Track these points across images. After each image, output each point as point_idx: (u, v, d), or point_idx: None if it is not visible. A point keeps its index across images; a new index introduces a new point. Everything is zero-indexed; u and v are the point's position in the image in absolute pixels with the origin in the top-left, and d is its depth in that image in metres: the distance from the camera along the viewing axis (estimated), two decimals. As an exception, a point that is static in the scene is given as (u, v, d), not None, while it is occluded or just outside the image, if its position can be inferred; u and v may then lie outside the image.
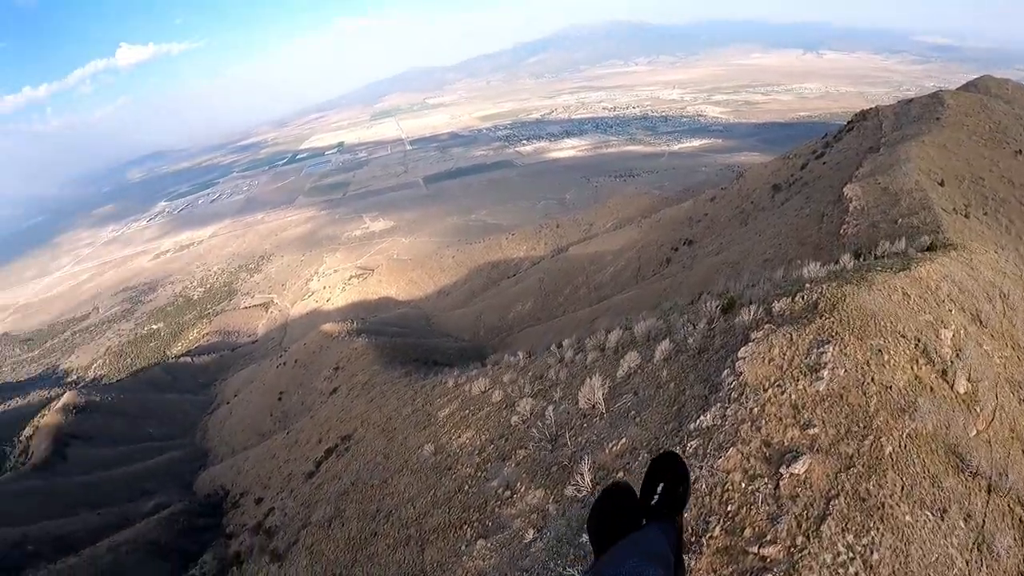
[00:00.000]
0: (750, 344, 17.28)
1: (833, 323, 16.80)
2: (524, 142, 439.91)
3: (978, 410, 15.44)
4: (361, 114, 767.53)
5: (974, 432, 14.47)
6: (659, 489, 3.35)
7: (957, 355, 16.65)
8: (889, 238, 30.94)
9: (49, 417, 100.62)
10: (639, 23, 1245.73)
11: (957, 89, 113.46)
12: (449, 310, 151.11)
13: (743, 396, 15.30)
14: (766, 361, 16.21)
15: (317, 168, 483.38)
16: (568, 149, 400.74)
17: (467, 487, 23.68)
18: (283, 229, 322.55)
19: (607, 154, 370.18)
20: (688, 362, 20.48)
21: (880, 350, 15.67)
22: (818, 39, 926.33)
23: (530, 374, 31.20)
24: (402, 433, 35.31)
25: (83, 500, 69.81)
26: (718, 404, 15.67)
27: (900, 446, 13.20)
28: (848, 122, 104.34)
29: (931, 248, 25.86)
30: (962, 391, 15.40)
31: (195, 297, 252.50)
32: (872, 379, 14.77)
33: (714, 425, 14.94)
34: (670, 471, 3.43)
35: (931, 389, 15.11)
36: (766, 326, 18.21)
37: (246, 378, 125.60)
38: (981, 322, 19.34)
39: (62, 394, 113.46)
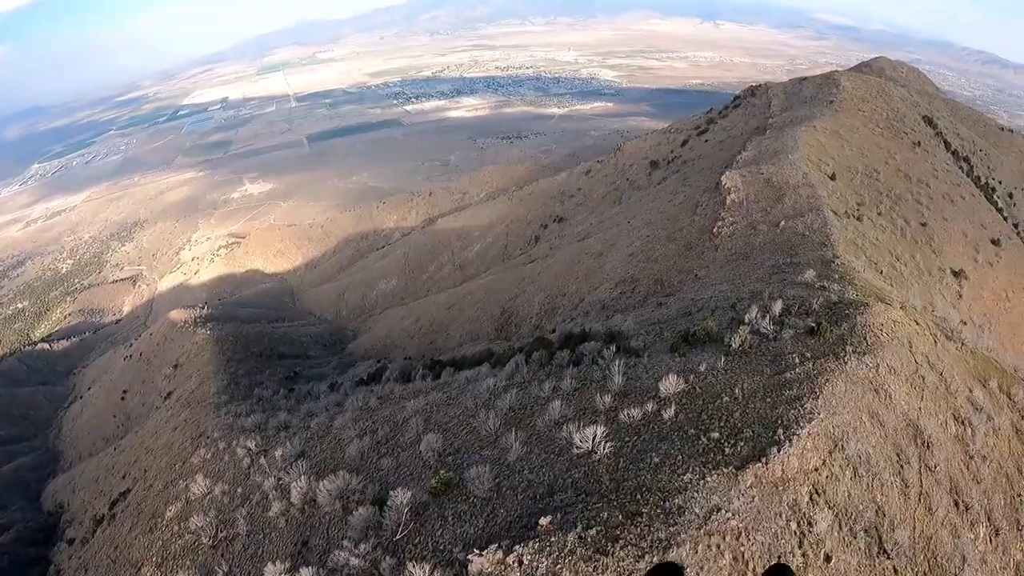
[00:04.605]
0: None
1: None
2: (413, 100, 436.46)
3: None
4: (248, 68, 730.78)
5: None
6: None
7: None
8: (761, 293, 26.13)
9: None
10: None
11: (851, 69, 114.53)
12: (316, 285, 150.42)
13: None
14: None
15: (199, 125, 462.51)
16: (458, 109, 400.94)
17: None
18: (160, 193, 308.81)
19: (496, 115, 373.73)
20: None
21: None
22: (717, 10, 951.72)
23: (259, 467, 28.28)
24: (136, 529, 32.55)
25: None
26: None
27: None
28: (735, 97, 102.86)
29: (817, 332, 19.51)
30: None
31: (63, 271, 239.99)
32: None
33: None
34: None
35: None
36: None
37: (103, 366, 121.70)
38: (884, 549, 12.98)
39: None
